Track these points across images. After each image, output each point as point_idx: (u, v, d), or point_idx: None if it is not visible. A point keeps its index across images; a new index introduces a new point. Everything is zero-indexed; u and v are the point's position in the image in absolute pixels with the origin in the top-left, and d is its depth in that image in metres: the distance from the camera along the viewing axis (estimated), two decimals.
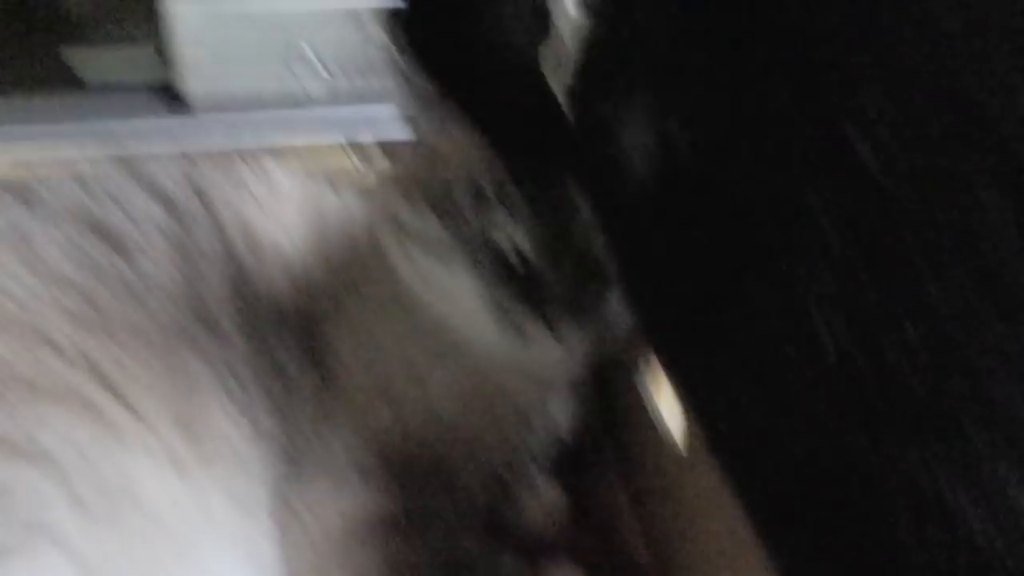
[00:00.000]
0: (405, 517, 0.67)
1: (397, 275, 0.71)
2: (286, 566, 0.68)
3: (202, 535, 0.64)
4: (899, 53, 0.29)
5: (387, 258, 0.71)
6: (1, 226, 0.66)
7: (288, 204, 0.77)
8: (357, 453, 0.69)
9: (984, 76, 0.28)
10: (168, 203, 0.72)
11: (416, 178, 0.67)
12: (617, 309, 0.66)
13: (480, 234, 0.64)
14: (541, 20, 0.42)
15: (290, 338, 0.72)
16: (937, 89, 0.28)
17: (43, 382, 0.60)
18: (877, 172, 0.29)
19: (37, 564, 0.55)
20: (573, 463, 0.77)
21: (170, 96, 1.10)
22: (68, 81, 1.12)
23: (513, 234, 0.63)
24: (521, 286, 0.64)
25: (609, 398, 0.82)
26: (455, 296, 0.67)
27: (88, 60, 1.12)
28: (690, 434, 0.65)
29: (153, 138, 1.03)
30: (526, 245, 0.63)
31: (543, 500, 0.74)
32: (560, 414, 0.77)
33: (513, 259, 0.64)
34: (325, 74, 1.07)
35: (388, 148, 0.76)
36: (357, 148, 0.91)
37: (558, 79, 0.42)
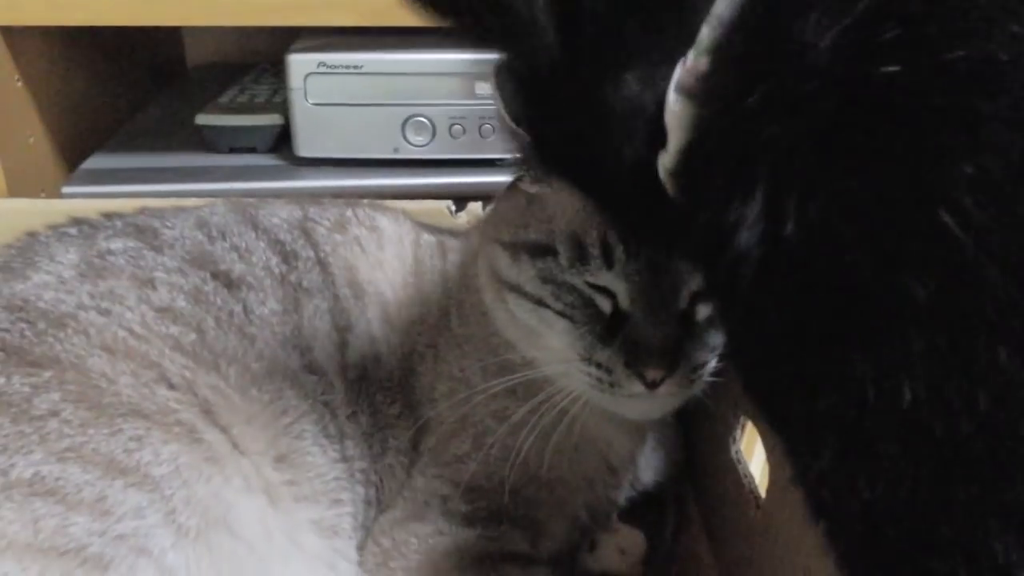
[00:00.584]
0: (483, 552, 0.67)
1: (490, 319, 0.72)
2: None
3: (291, 564, 0.66)
4: (991, 146, 0.33)
5: (482, 303, 0.72)
6: (123, 263, 0.70)
7: (388, 248, 0.79)
8: (438, 484, 0.69)
9: None
10: (278, 245, 0.76)
11: (515, 225, 0.68)
12: (707, 364, 0.65)
13: (577, 284, 0.64)
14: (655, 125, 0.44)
15: (386, 377, 0.74)
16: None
17: (151, 408, 0.63)
18: (969, 250, 0.32)
19: None
20: (655, 510, 0.76)
21: (288, 157, 1.17)
22: (198, 144, 1.21)
23: (611, 286, 0.63)
24: (615, 338, 0.64)
25: (696, 452, 0.81)
26: (548, 344, 0.67)
27: (218, 127, 1.21)
28: (770, 483, 0.63)
29: (267, 191, 1.09)
30: (624, 298, 0.63)
31: (619, 539, 0.73)
32: (647, 466, 0.76)
33: (608, 311, 0.64)
34: (434, 137, 1.12)
35: (489, 197, 0.77)
36: (460, 201, 0.93)
37: (661, 162, 0.44)
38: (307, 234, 0.77)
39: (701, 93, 0.41)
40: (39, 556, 0.55)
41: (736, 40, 0.40)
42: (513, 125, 0.54)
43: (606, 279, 0.63)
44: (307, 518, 0.68)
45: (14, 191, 1.10)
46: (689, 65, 0.41)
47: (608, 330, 0.64)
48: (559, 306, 0.65)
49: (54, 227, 0.75)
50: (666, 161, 0.43)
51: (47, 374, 0.61)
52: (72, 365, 0.62)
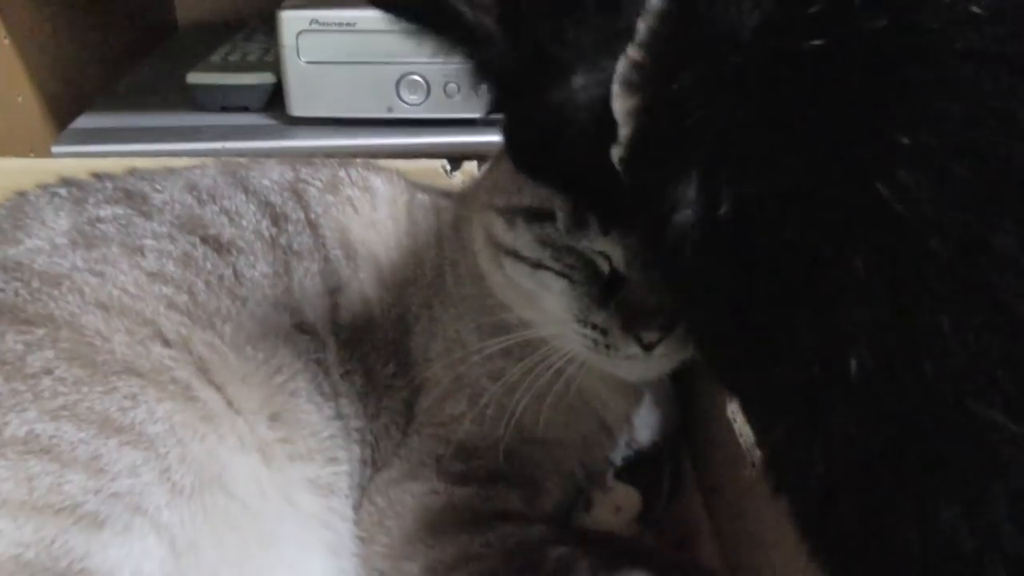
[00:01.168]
0: (478, 510, 0.67)
1: (486, 281, 0.72)
2: (361, 549, 0.69)
3: (286, 523, 0.66)
4: (925, 116, 0.33)
5: (477, 264, 0.72)
6: (112, 231, 0.69)
7: (382, 208, 0.79)
8: (433, 443, 0.70)
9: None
10: (268, 207, 0.75)
11: (509, 191, 0.68)
12: None
13: (573, 247, 0.64)
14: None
15: (380, 338, 0.74)
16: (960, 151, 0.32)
17: (145, 366, 0.62)
18: (908, 221, 0.33)
19: (128, 538, 0.57)
20: (651, 472, 0.76)
21: (281, 116, 1.16)
22: (189, 104, 1.20)
23: (607, 250, 0.63)
24: (611, 300, 0.64)
25: (689, 410, 0.81)
26: (545, 306, 0.67)
27: (210, 85, 1.19)
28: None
29: (259, 150, 1.08)
30: (620, 261, 0.63)
31: (614, 498, 0.73)
32: (642, 426, 0.76)
33: (605, 273, 0.64)
34: (429, 95, 1.10)
35: (484, 157, 0.76)
36: (455, 161, 0.92)
37: (614, 153, 0.45)
38: (298, 195, 0.77)
39: (639, 83, 0.42)
40: (34, 514, 0.55)
41: (665, 28, 0.41)
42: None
43: (603, 244, 0.63)
44: (302, 476, 0.68)
45: (3, 150, 1.09)
46: (629, 58, 0.42)
47: (605, 292, 0.64)
48: (558, 267, 0.65)
49: (44, 187, 0.74)
50: (618, 151, 0.44)
51: (40, 332, 0.61)
52: (66, 323, 0.62)
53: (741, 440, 0.69)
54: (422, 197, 0.81)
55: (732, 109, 0.37)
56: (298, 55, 1.10)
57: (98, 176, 0.76)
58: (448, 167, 0.91)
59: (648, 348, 0.63)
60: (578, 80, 0.45)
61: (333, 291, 0.74)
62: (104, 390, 0.60)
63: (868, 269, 0.33)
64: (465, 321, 0.74)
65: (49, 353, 0.60)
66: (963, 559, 0.32)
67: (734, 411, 0.71)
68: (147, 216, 0.71)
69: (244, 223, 0.73)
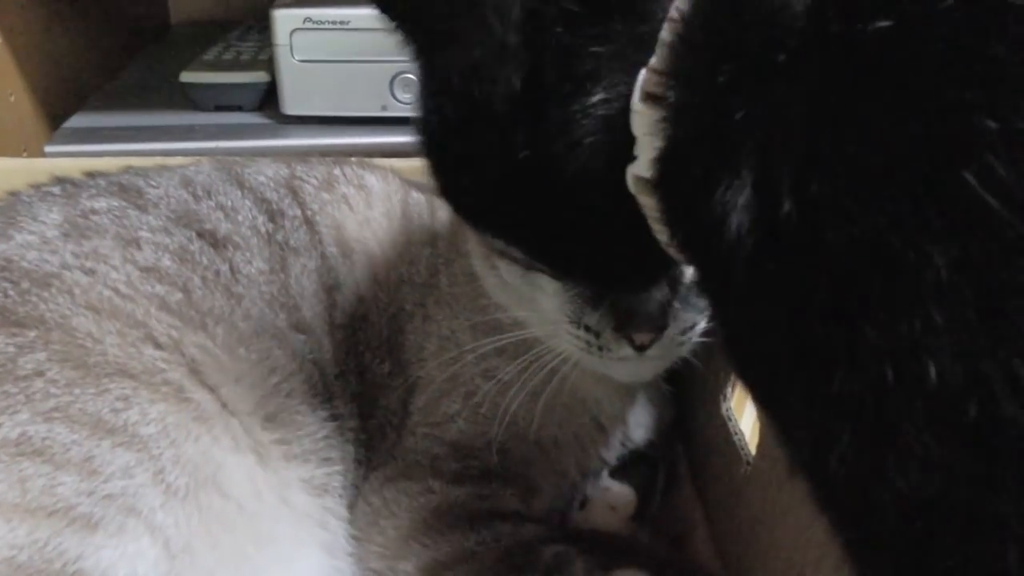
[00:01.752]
0: (473, 509, 0.67)
1: (481, 282, 0.71)
2: (356, 548, 0.69)
3: (281, 523, 0.66)
4: (1013, 95, 0.30)
5: (471, 264, 0.72)
6: (107, 222, 0.69)
7: (377, 206, 0.78)
8: (428, 443, 0.69)
9: None
10: (264, 204, 0.75)
11: None
12: (696, 326, 0.65)
13: None
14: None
15: (375, 336, 0.74)
16: None
17: (137, 368, 0.62)
18: (998, 212, 0.30)
19: (122, 539, 0.57)
20: (645, 470, 0.76)
21: (275, 115, 1.16)
22: (183, 103, 1.20)
23: None
24: (604, 301, 0.63)
25: (686, 410, 0.81)
26: (538, 307, 0.67)
27: (204, 84, 1.19)
28: (760, 441, 0.63)
29: (253, 149, 1.08)
30: None
31: (609, 497, 0.73)
32: (637, 425, 0.76)
33: None
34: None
35: None
36: None
37: (631, 173, 0.43)
38: (294, 192, 0.77)
39: (667, 92, 0.39)
40: (27, 516, 0.55)
41: (696, 27, 0.39)
42: None
43: None
44: (297, 477, 0.68)
45: None
46: (652, 67, 0.40)
47: (597, 294, 0.63)
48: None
49: (37, 186, 0.74)
50: (637, 170, 0.42)
51: (32, 334, 0.60)
52: (57, 325, 0.61)
53: (736, 439, 0.69)
54: (417, 195, 0.81)
55: (788, 100, 0.35)
56: (292, 54, 1.10)
57: (91, 175, 0.76)
58: None
59: (640, 349, 0.63)
60: (596, 96, 0.42)
61: (330, 289, 0.73)
62: (96, 392, 0.59)
63: (951, 266, 0.31)
64: (459, 320, 0.73)
65: (41, 355, 0.59)
66: None
67: (728, 409, 0.71)
68: (142, 209, 0.71)
69: (240, 219, 0.73)
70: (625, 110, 0.41)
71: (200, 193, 0.74)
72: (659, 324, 0.62)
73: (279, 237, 0.73)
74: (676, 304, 0.63)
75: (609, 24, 0.42)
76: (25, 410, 0.57)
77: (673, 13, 0.39)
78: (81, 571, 0.55)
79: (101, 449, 0.58)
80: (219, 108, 1.20)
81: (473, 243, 0.71)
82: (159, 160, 0.84)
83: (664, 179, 0.41)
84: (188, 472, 0.61)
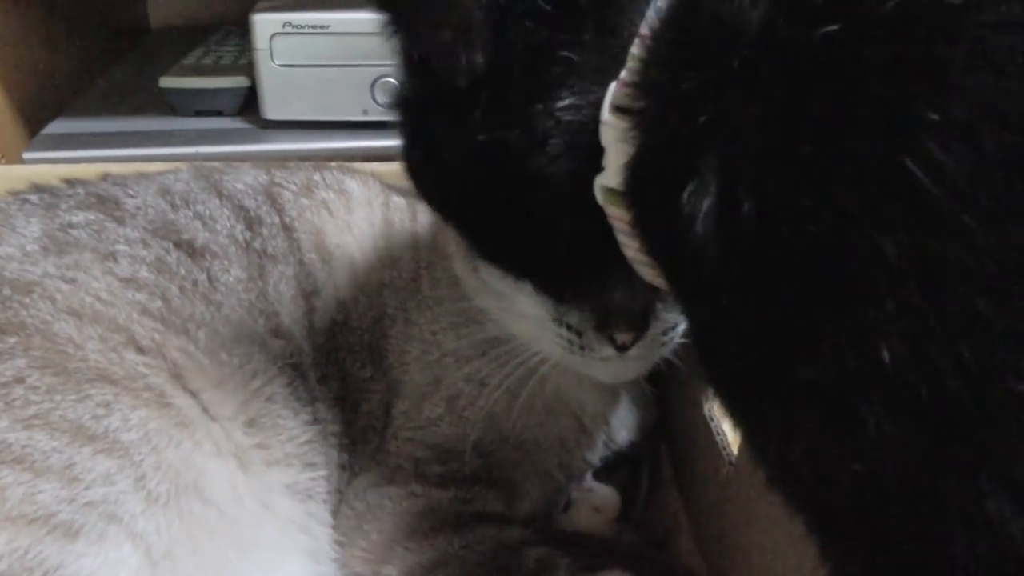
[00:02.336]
0: (457, 513, 0.67)
1: (462, 284, 0.71)
2: (339, 553, 0.69)
3: (263, 529, 0.66)
4: (955, 91, 0.31)
5: (452, 267, 0.72)
6: (85, 236, 0.69)
7: (357, 211, 0.78)
8: (411, 447, 0.69)
9: None
10: (242, 212, 0.75)
11: None
12: (678, 326, 0.65)
13: None
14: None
15: (356, 341, 0.74)
16: (994, 123, 0.31)
17: (119, 373, 0.62)
18: (939, 198, 0.31)
19: (103, 547, 0.56)
20: (629, 472, 0.77)
21: (255, 120, 1.15)
22: (162, 108, 1.19)
23: None
24: (587, 301, 0.63)
25: (669, 411, 0.82)
26: (520, 309, 0.66)
27: (183, 89, 1.19)
28: (743, 449, 0.63)
29: (234, 154, 1.08)
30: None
31: (593, 499, 0.74)
32: (620, 426, 0.77)
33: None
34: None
35: None
36: None
37: (598, 182, 0.44)
38: (272, 199, 0.76)
39: (637, 102, 0.41)
40: (7, 524, 0.54)
41: (664, 40, 0.40)
42: None
43: None
44: (279, 482, 0.68)
45: None
46: (623, 80, 0.41)
47: (579, 292, 0.64)
48: None
49: (15, 194, 0.73)
50: (606, 181, 0.43)
51: (12, 340, 0.60)
52: (38, 331, 0.61)
53: (718, 439, 0.70)
54: (398, 199, 0.81)
55: (743, 104, 0.36)
56: (272, 58, 1.09)
57: (70, 183, 0.75)
58: None
59: (622, 349, 0.63)
60: (564, 101, 0.43)
61: (309, 295, 0.73)
62: (77, 398, 0.59)
63: (899, 252, 0.32)
64: (441, 323, 0.74)
65: (21, 361, 0.59)
66: (1013, 554, 0.31)
67: (711, 410, 0.72)
68: (120, 222, 0.71)
69: (218, 227, 0.73)
70: (594, 120, 0.43)
71: (178, 202, 0.74)
72: (641, 324, 0.62)
73: (257, 245, 0.73)
74: (658, 304, 0.63)
75: (580, 33, 0.43)
76: (4, 417, 0.57)
77: (644, 30, 0.41)
78: None
79: (82, 456, 0.58)
80: (199, 113, 1.20)
81: (454, 245, 0.71)
82: (139, 166, 0.84)
83: (633, 186, 0.42)
84: (169, 478, 0.60)
